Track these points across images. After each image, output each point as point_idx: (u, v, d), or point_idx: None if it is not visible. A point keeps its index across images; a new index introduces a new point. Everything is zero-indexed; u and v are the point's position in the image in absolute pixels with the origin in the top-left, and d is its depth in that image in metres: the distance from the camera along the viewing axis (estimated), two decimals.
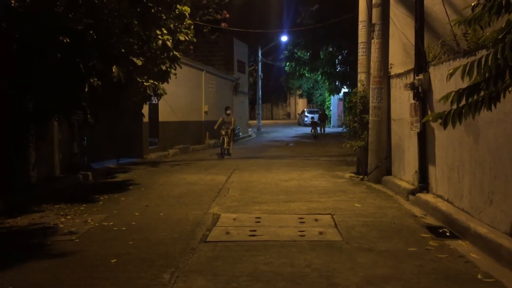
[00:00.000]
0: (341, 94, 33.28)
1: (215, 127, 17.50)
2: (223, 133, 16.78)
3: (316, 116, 34.88)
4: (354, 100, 11.76)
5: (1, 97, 7.15)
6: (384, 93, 10.33)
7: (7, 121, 7.59)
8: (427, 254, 5.32)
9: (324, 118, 32.80)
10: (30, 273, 4.88)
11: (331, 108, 42.04)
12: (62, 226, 6.85)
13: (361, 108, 11.33)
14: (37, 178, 9.29)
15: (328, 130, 36.28)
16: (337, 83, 27.04)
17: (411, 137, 8.77)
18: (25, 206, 7.84)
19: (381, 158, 10.40)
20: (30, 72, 7.18)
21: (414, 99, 8.35)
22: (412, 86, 8.32)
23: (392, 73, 10.29)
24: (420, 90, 8.15)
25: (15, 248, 5.90)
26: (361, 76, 11.65)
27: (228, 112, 17.31)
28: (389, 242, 5.80)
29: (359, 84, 11.71)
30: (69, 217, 7.40)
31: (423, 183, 8.08)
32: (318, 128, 29.32)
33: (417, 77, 8.17)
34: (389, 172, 10.25)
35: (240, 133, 27.87)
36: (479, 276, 4.60)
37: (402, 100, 9.48)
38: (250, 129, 33.04)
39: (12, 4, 6.75)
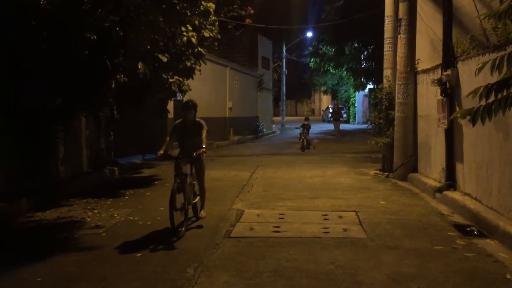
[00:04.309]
0: (366, 90, 32.85)
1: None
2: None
3: (328, 113, 32.00)
4: (379, 96, 11.62)
5: (31, 95, 7.31)
6: (411, 89, 10.17)
7: (37, 118, 7.76)
8: (454, 253, 5.23)
9: (338, 116, 27.21)
10: (59, 265, 4.99)
11: (356, 105, 41.65)
12: (89, 220, 6.99)
13: (387, 104, 11.18)
14: (65, 173, 9.48)
15: (352, 126, 35.91)
16: (362, 79, 26.68)
17: (438, 134, 8.61)
18: (53, 201, 8.01)
19: (407, 155, 10.24)
20: (58, 70, 7.31)
21: (441, 95, 8.20)
22: (440, 82, 8.16)
23: (418, 69, 10.12)
24: (447, 86, 7.99)
25: (44, 241, 6.04)
26: (387, 72, 11.49)
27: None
28: (415, 240, 5.72)
29: (384, 80, 11.56)
30: (96, 211, 7.54)
31: (450, 180, 7.93)
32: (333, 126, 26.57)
33: (445, 73, 8.01)
34: (415, 170, 10.10)
35: (264, 130, 27.84)
36: (508, 276, 4.50)
37: (429, 96, 9.31)
38: (274, 126, 32.96)
39: (41, 2, 6.88)
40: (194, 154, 6.26)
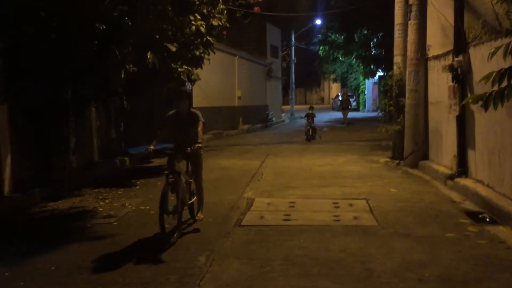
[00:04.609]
0: (376, 77, 32.58)
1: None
2: None
3: (338, 101, 30.57)
4: (389, 83, 11.53)
5: (41, 85, 7.35)
6: (421, 76, 10.07)
7: (48, 108, 7.80)
8: (466, 240, 5.21)
9: (347, 105, 26.36)
10: (72, 254, 5.05)
11: (365, 92, 41.34)
12: (101, 209, 7.05)
13: (397, 91, 11.09)
14: (76, 163, 9.55)
15: (362, 114, 35.69)
16: (372, 67, 26.45)
17: (450, 120, 8.53)
18: (65, 191, 8.09)
19: (417, 142, 10.17)
20: (69, 60, 7.33)
21: (453, 81, 8.10)
22: (451, 68, 8.06)
23: (429, 55, 10.00)
24: (459, 72, 7.89)
25: (57, 230, 6.11)
26: (397, 59, 11.37)
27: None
28: (426, 228, 5.70)
29: (395, 67, 11.45)
30: (107, 201, 7.60)
31: (462, 167, 7.87)
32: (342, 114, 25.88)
33: (456, 59, 7.91)
34: (426, 157, 10.03)
35: (274, 118, 27.77)
36: None
37: (440, 82, 9.21)
38: (283, 114, 32.87)
39: None
40: (189, 149, 5.54)
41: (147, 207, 7.07)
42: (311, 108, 18.32)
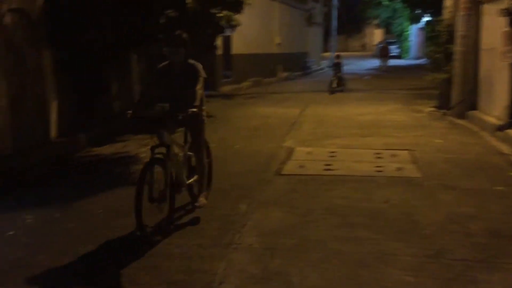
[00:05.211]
0: (422, 23, 31.08)
1: None
2: None
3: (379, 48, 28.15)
4: (438, 29, 10.96)
5: (82, 31, 7.36)
6: (473, 21, 9.48)
7: (89, 55, 7.84)
8: None
9: (386, 52, 25.56)
10: (116, 199, 5.17)
11: (410, 39, 39.71)
12: (143, 155, 7.14)
13: (447, 37, 10.52)
14: (119, 109, 9.68)
15: (405, 62, 34.48)
16: (418, 11, 25.21)
17: (503, 68, 8.05)
18: (108, 136, 8.25)
19: (466, 91, 9.72)
20: (109, 5, 7.27)
21: (508, 26, 7.58)
22: (507, 12, 7.53)
23: None
24: None
25: (102, 175, 6.28)
26: (448, 2, 10.73)
27: None
28: (473, 180, 5.52)
29: (445, 11, 10.83)
30: (149, 147, 7.69)
31: None
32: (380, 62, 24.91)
33: None
34: (474, 107, 9.60)
35: (313, 66, 27.21)
36: None
37: (493, 28, 8.64)
38: (323, 62, 32.14)
39: None
40: (180, 116, 4.10)
41: (189, 153, 7.10)
42: (338, 56, 16.88)
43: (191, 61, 4.41)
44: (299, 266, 3.48)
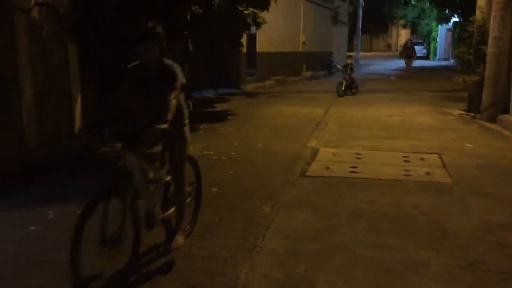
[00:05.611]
0: (450, 23, 30.48)
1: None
2: None
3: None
4: (470, 29, 10.64)
5: (106, 24, 7.33)
6: (508, 21, 9.16)
7: (111, 50, 7.81)
8: None
9: (411, 53, 23.55)
10: None
11: (437, 40, 38.99)
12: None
13: (478, 39, 10.21)
14: None
15: (432, 63, 33.85)
16: (447, 11, 24.71)
17: None
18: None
19: (498, 94, 9.40)
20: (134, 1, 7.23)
21: None
22: None
23: None
24: None
25: None
26: (481, 2, 10.40)
27: None
28: (508, 187, 5.30)
29: (477, 12, 10.51)
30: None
31: None
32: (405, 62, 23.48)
33: None
34: (506, 111, 9.27)
35: (338, 66, 26.89)
36: None
37: None
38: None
39: None
40: (143, 137, 3.13)
41: (211, 152, 7.04)
42: (349, 57, 15.92)
43: (168, 61, 3.40)
44: (325, 273, 3.34)
